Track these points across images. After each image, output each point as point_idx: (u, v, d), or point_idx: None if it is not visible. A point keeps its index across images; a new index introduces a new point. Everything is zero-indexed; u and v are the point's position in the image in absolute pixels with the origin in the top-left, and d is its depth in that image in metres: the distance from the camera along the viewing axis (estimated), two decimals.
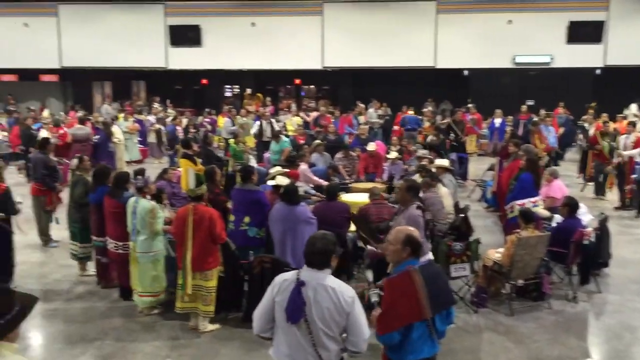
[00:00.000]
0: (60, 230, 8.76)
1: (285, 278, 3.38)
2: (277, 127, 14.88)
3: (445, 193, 7.81)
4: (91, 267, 7.67)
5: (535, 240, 6.51)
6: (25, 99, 23.34)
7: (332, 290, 3.26)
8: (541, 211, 7.80)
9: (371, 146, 11.37)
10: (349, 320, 3.27)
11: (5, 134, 16.45)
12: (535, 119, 14.76)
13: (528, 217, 6.76)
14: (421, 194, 7.19)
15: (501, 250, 6.84)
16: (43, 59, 22.56)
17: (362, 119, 16.82)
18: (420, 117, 17.45)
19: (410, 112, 17.73)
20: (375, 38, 21.33)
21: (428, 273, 3.54)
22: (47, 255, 8.66)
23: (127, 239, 6.50)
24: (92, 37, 22.20)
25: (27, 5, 22.79)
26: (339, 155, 11.45)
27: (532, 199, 7.79)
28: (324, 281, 3.28)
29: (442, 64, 21.28)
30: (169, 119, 17.71)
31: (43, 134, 12.94)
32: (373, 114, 18.14)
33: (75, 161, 8.16)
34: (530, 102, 19.76)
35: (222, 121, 16.43)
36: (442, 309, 3.53)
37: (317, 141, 11.99)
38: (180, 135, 15.20)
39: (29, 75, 23.71)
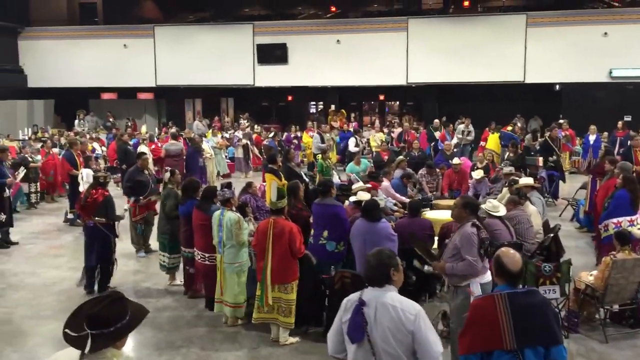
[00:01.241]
0: (151, 240, 9.17)
1: (349, 299, 3.32)
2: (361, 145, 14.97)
3: (533, 211, 7.52)
4: (179, 277, 7.96)
5: (631, 263, 6.13)
6: (123, 115, 24.72)
7: (393, 308, 3.13)
8: (638, 232, 7.34)
9: (456, 161, 11.16)
10: (415, 340, 3.10)
11: (104, 148, 17.49)
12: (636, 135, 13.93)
13: (624, 238, 6.37)
14: (508, 212, 6.98)
15: (594, 272, 6.48)
16: (140, 78, 23.83)
17: (437, 134, 16.48)
18: (516, 133, 16.94)
19: (509, 128, 17.25)
20: (461, 53, 20.97)
21: (521, 302, 3.29)
22: (140, 264, 9.07)
23: (213, 250, 6.70)
24: (185, 57, 23.24)
25: (127, 28, 24.22)
26: (422, 171, 11.31)
27: (629, 218, 7.35)
28: (384, 299, 3.17)
29: (531, 79, 20.58)
30: (271, 134, 18.18)
31: (142, 149, 13.63)
32: (462, 129, 17.76)
33: (167, 175, 8.52)
34: (628, 118, 18.68)
35: (306, 137, 16.70)
36: (536, 344, 3.23)
37: (401, 157, 11.90)
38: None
39: (127, 94, 25.13)
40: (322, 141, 15.57)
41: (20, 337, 6.51)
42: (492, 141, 16.21)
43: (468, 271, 5.07)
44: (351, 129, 18.11)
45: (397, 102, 26.99)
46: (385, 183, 9.74)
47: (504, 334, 3.22)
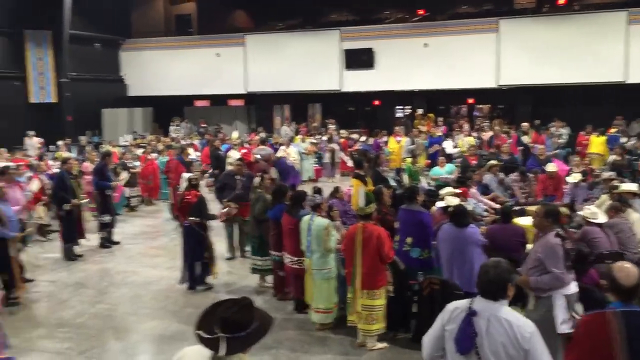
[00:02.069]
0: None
1: (456, 306, 3.25)
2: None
3: (636, 219, 7.10)
4: (269, 280, 8.15)
5: None
6: (215, 122, 25.63)
7: (508, 323, 3.04)
8: None
9: (551, 167, 10.72)
10: (527, 358, 3.01)
11: (198, 154, 18.19)
12: None
13: None
14: (609, 219, 6.64)
15: None
16: (231, 85, 24.62)
17: (525, 138, 15.84)
18: (620, 135, 16.08)
19: (612, 131, 16.40)
20: (555, 53, 20.10)
21: (637, 322, 3.09)
22: (231, 265, 9.36)
23: (302, 254, 6.81)
24: (274, 64, 23.78)
25: (219, 37, 25.11)
26: (513, 176, 10.94)
27: None
28: (498, 313, 3.08)
29: (634, 79, 19.38)
30: (362, 138, 18.28)
31: (233, 154, 14.08)
32: (552, 132, 17.07)
33: (257, 180, 8.75)
34: None
35: (393, 142, 16.61)
36: None
37: (492, 162, 11.56)
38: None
39: (218, 101, 26.04)
40: (412, 144, 15.43)
41: (122, 332, 6.90)
42: (597, 144, 15.44)
43: (554, 284, 4.88)
44: (439, 133, 17.81)
45: (487, 106, 26.27)
46: (473, 190, 9.51)
47: (616, 355, 3.04)
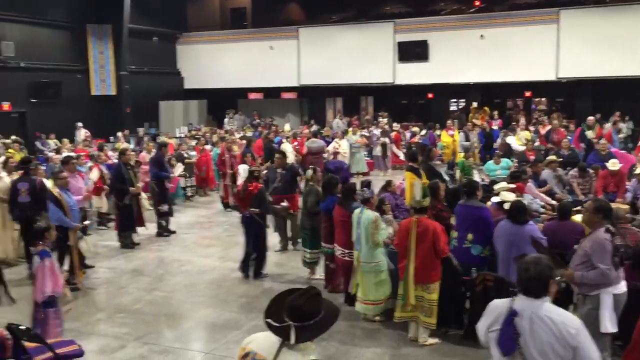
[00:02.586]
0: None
1: (496, 306, 3.18)
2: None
3: None
4: (319, 272, 8.18)
5: None
6: (268, 114, 25.88)
7: (551, 321, 2.96)
8: None
9: (613, 164, 10.31)
10: (576, 355, 2.93)
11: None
12: None
13: None
14: None
15: None
16: (284, 78, 24.80)
17: (589, 133, 15.28)
18: None
19: None
20: (617, 44, 19.33)
21: None
22: (282, 257, 9.45)
23: (353, 246, 6.80)
24: (327, 57, 23.79)
25: (273, 30, 25.31)
26: (573, 172, 10.60)
27: None
28: (540, 311, 2.99)
29: None
30: (423, 132, 18.15)
31: (285, 146, 14.19)
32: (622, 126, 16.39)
33: (309, 172, 8.79)
34: None
35: (445, 136, 16.38)
36: None
37: (552, 157, 11.22)
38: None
39: (272, 93, 26.27)
40: (467, 139, 15.17)
41: (176, 319, 7.07)
42: None
43: (600, 280, 4.75)
44: (495, 127, 17.44)
45: (545, 99, 25.55)
46: (529, 183, 9.25)
47: None
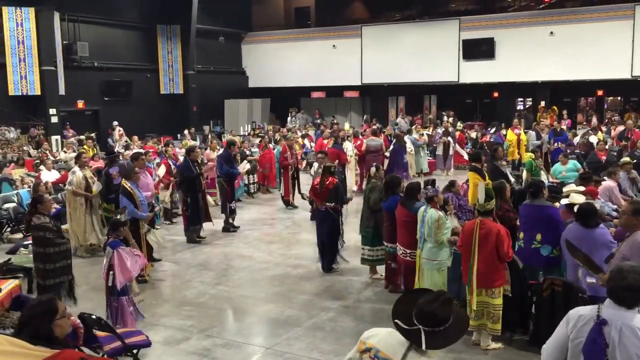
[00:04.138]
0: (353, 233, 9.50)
1: (581, 314, 3.03)
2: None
3: None
4: (380, 271, 8.14)
5: None
6: (330, 113, 25.97)
7: None
8: None
9: None
10: None
11: (313, 144, 18.53)
12: None
13: None
14: None
15: None
16: (347, 77, 24.84)
17: None
18: None
19: None
20: None
21: None
22: (344, 254, 9.43)
23: (415, 246, 6.74)
24: (390, 55, 23.65)
25: (336, 29, 25.38)
26: None
27: None
28: (631, 322, 2.85)
29: None
30: (492, 130, 17.78)
31: (347, 145, 14.21)
32: None
33: (372, 170, 8.76)
34: None
35: (511, 134, 15.96)
36: None
37: (626, 158, 10.73)
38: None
39: (334, 92, 26.35)
40: (538, 138, 14.70)
41: (239, 314, 7.21)
42: None
43: None
44: (564, 127, 16.85)
45: (619, 98, 24.50)
46: (610, 183, 8.83)
47: None
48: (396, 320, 2.66)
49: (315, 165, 11.77)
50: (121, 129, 19.87)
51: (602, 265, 5.02)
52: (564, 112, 20.96)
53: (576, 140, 16.34)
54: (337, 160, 11.58)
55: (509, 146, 15.72)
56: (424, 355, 2.61)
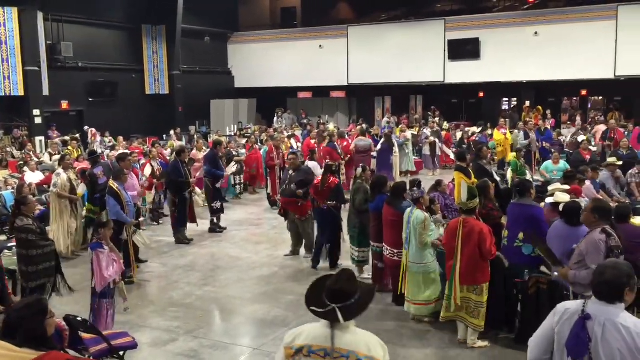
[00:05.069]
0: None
1: (567, 307, 3.08)
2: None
3: None
4: (367, 271, 8.16)
5: None
6: (316, 113, 25.97)
7: (627, 330, 2.84)
8: None
9: None
10: None
11: (299, 144, 18.51)
12: None
13: None
14: None
15: None
16: (333, 77, 24.85)
17: None
18: None
19: None
20: None
21: None
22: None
23: (402, 246, 6.76)
24: (376, 55, 23.71)
25: (322, 29, 25.40)
26: (633, 171, 10.25)
27: None
28: (615, 318, 2.89)
29: None
30: (479, 130, 17.82)
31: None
32: None
33: (358, 170, 8.78)
34: None
35: (498, 134, 16.07)
36: None
37: (612, 159, 10.83)
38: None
39: (321, 92, 26.36)
40: (526, 138, 14.80)
41: (226, 314, 7.19)
42: None
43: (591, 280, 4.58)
44: (548, 126, 16.99)
45: (601, 98, 24.77)
46: (588, 183, 8.98)
47: None
48: (312, 308, 2.86)
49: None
50: (93, 129, 19.39)
51: (562, 260, 5.17)
52: (548, 111, 21.13)
53: (562, 139, 16.51)
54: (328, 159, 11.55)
55: (498, 145, 15.83)
56: (347, 331, 2.81)
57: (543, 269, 6.02)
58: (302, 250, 9.39)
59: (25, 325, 3.00)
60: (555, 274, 5.32)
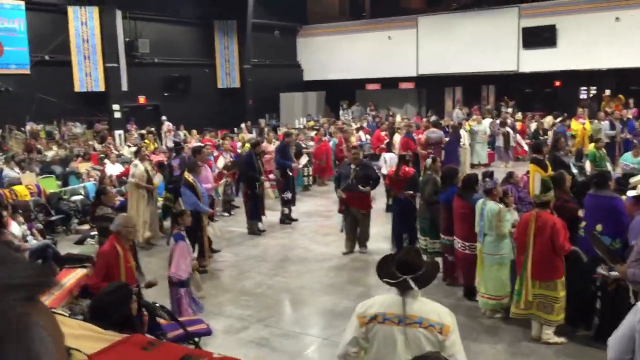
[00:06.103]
0: None
1: None
2: None
3: None
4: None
5: None
6: (385, 105, 25.80)
7: None
8: None
9: None
10: None
11: (368, 136, 18.46)
12: None
13: None
14: None
15: None
16: (402, 68, 24.57)
17: None
18: None
19: None
20: None
21: None
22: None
23: (474, 239, 6.64)
24: (446, 45, 23.24)
25: (391, 20, 25.15)
26: None
27: None
28: None
29: None
30: (559, 119, 17.23)
31: (397, 138, 14.11)
32: None
33: (428, 161, 8.70)
34: None
35: (575, 124, 15.45)
36: None
37: None
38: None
39: (390, 84, 26.14)
40: (612, 128, 14.15)
41: (296, 304, 7.31)
42: None
43: None
44: (630, 117, 16.16)
45: None
46: None
47: None
48: (385, 279, 3.12)
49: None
50: (170, 123, 20.17)
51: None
52: (631, 100, 20.09)
53: None
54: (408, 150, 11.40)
55: (575, 136, 15.23)
56: (417, 299, 3.04)
57: (600, 269, 5.70)
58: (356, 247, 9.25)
59: (114, 309, 3.17)
60: (615, 272, 5.07)
